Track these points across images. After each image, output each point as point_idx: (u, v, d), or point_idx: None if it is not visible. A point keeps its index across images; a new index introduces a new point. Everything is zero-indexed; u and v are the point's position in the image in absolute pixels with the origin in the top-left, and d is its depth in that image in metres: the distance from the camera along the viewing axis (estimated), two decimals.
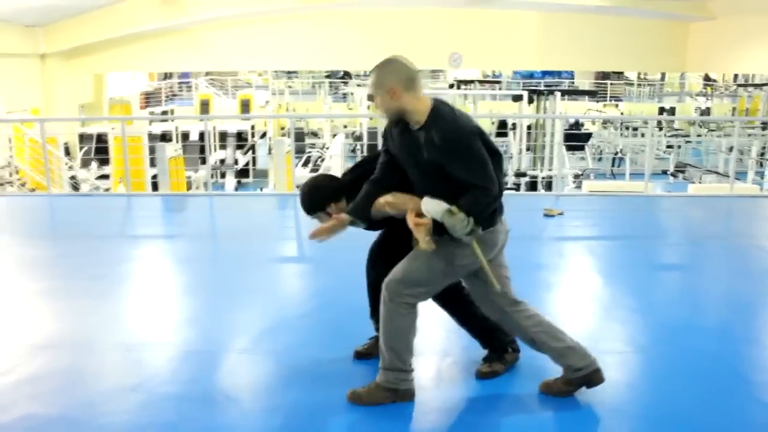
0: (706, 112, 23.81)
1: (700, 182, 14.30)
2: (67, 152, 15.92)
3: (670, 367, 3.70)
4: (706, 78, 30.40)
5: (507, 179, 13.23)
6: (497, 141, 18.78)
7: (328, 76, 31.34)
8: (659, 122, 19.98)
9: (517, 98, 15.20)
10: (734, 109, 24.27)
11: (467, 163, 2.87)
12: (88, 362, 3.79)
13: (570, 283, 5.31)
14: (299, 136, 17.93)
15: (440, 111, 2.94)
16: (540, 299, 4.59)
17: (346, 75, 30.90)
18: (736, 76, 28.42)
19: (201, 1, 16.88)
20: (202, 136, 17.25)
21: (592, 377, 3.20)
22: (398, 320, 3.10)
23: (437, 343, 3.96)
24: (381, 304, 3.13)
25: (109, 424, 3.09)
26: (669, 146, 19.77)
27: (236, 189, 17.10)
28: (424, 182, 3.02)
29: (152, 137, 15.03)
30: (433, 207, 2.90)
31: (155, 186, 10.02)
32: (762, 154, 17.23)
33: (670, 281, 5.48)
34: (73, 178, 13.50)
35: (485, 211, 2.94)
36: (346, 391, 3.26)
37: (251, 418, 3.19)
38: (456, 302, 3.57)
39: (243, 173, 18.46)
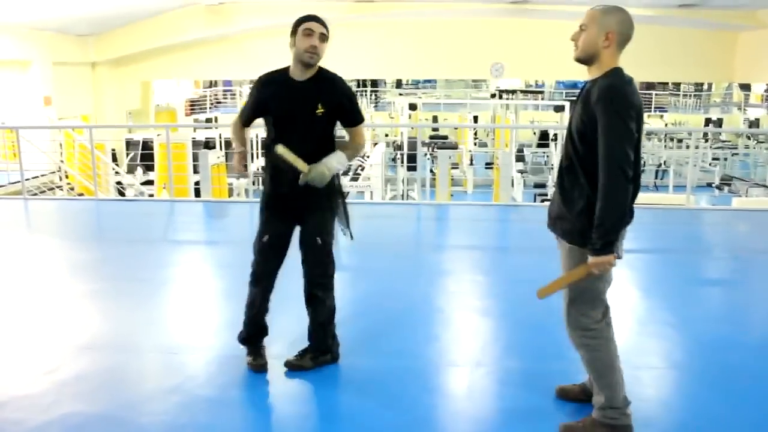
0: (755, 123, 23.26)
1: (746, 196, 13.97)
2: (114, 158, 16.36)
3: (705, 385, 3.65)
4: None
5: (547, 190, 13.10)
6: (538, 151, 18.74)
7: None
8: (705, 134, 19.59)
9: (559, 109, 15.10)
10: None
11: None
12: (129, 363, 3.91)
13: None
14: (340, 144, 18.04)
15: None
16: None
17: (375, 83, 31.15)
18: None
19: (245, 10, 17.21)
20: None
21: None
22: (600, 352, 2.94)
23: (470, 353, 3.97)
24: (578, 348, 2.99)
25: (147, 423, 3.18)
26: (715, 158, 19.37)
27: None
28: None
29: (196, 144, 15.32)
30: None
31: (198, 192, 10.23)
32: None
33: (709, 296, 5.39)
34: (119, 183, 13.86)
35: None
36: (375, 397, 3.30)
37: (283, 423, 3.26)
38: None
39: None
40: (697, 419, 3.26)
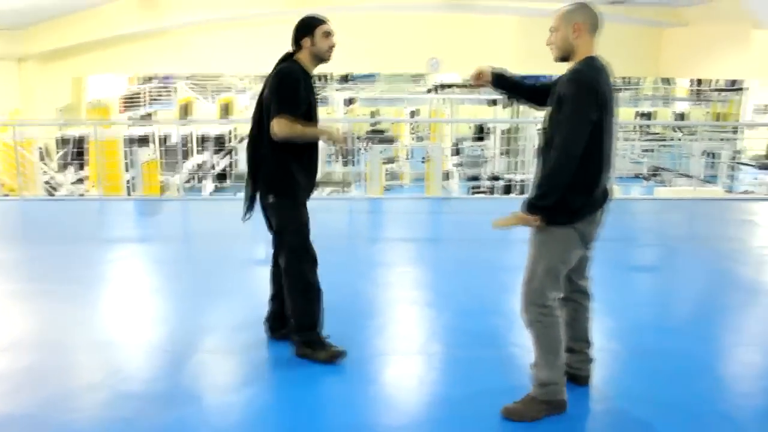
0: (681, 117, 24.13)
1: (671, 185, 14.53)
2: (45, 156, 15.89)
3: (620, 364, 3.83)
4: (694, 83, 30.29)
5: (481, 183, 13.38)
6: (475, 145, 19.05)
7: None
8: (636, 126, 20.25)
9: (491, 103, 15.40)
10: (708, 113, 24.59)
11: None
12: (53, 362, 3.85)
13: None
14: None
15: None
16: (502, 300, 4.73)
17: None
18: (699, 81, 28.62)
19: (181, 4, 16.90)
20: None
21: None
22: (552, 329, 3.11)
23: (400, 342, 4.07)
24: (530, 326, 3.13)
25: (68, 421, 3.17)
26: (645, 150, 20.05)
27: (212, 193, 17.11)
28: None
29: (132, 141, 15.02)
30: None
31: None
32: (733, 158, 17.53)
33: (628, 282, 5.60)
34: (47, 182, 13.48)
35: None
36: (301, 389, 3.36)
37: (205, 415, 3.27)
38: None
39: (222, 177, 18.48)
40: (611, 396, 3.42)
